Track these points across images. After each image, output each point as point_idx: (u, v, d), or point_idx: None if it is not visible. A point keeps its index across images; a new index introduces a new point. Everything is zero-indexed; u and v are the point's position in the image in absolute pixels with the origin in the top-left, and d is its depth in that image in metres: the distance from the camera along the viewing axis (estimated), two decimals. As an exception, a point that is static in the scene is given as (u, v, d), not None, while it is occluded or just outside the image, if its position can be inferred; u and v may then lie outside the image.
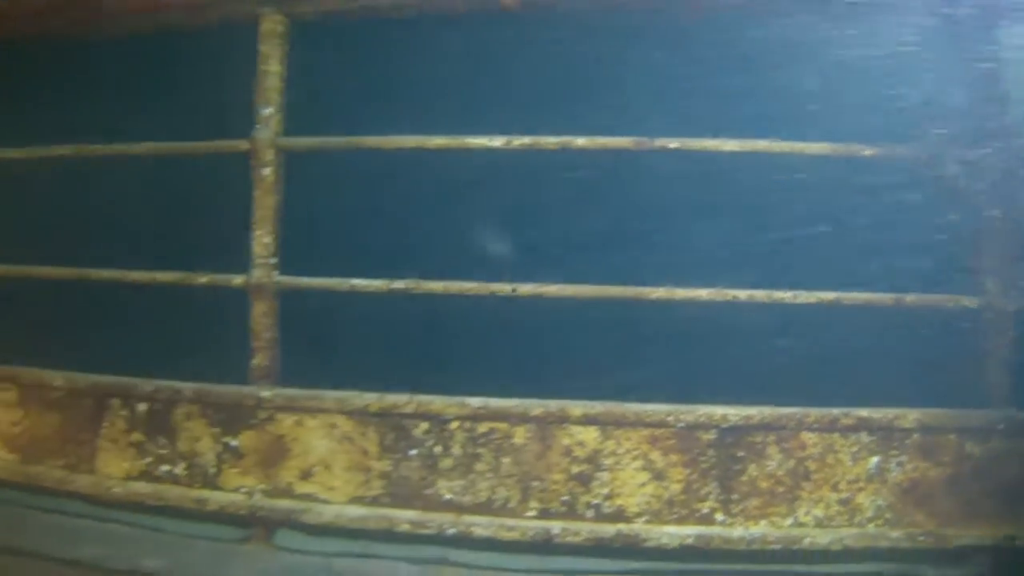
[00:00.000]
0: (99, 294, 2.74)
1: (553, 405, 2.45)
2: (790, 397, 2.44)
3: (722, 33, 2.38)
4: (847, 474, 2.41)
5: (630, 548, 2.44)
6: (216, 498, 2.60)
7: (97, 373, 2.74)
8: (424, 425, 2.49)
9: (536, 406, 2.45)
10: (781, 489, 2.42)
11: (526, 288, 2.48)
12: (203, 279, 2.64)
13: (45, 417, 2.77)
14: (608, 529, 2.44)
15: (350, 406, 2.51)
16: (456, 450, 2.48)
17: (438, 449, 2.48)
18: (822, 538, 2.38)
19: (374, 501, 2.52)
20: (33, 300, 2.79)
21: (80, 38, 2.80)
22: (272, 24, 2.63)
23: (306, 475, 2.55)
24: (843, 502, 2.41)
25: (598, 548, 2.45)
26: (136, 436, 2.67)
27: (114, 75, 2.74)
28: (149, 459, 2.66)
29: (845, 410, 2.40)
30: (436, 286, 2.50)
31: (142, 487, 2.66)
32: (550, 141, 2.50)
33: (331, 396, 2.53)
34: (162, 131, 2.71)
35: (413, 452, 2.49)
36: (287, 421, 2.56)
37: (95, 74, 2.76)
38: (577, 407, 2.44)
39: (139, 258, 2.69)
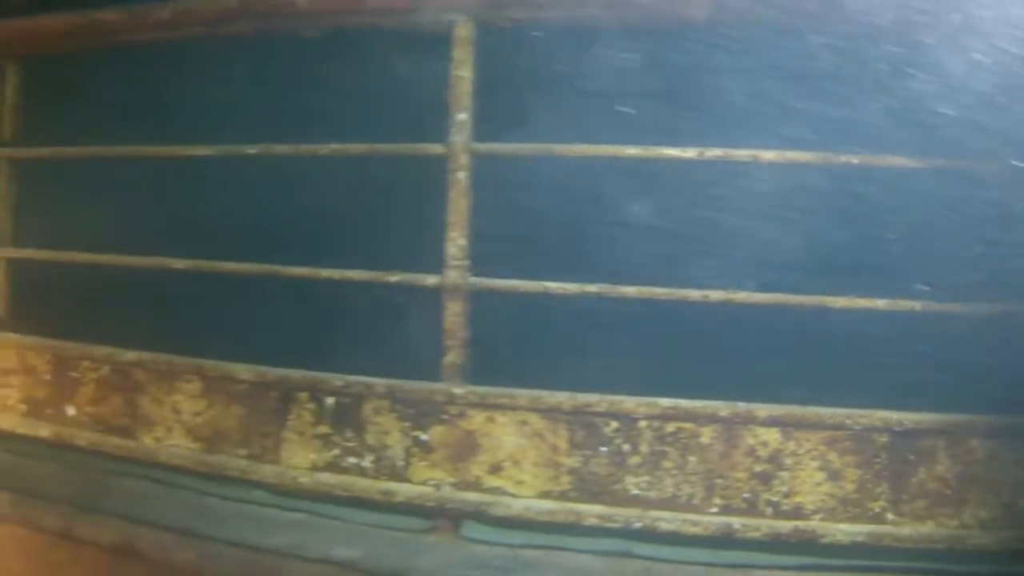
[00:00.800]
0: (287, 291, 2.81)
1: (740, 407, 2.56)
2: (957, 405, 2.56)
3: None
4: (1011, 479, 2.53)
5: (806, 544, 2.55)
6: (404, 490, 2.69)
7: (283, 368, 2.79)
8: (614, 424, 2.60)
9: (723, 407, 2.57)
10: (948, 492, 2.55)
11: (716, 295, 2.59)
12: (395, 278, 2.72)
13: (229, 408, 2.85)
14: (786, 525, 2.56)
15: (543, 404, 2.61)
16: (644, 448, 2.59)
17: (627, 447, 2.59)
18: (985, 539, 2.50)
19: (562, 495, 2.63)
20: (223, 295, 2.86)
21: (268, 38, 2.86)
22: (465, 31, 2.71)
23: (495, 469, 2.65)
24: (1006, 506, 2.54)
25: (775, 543, 2.56)
26: (323, 429, 2.76)
27: (303, 75, 2.80)
28: (336, 451, 2.75)
29: (1013, 418, 2.53)
30: (629, 290, 2.61)
31: (328, 478, 2.75)
32: (741, 154, 2.61)
33: (524, 394, 2.63)
34: (349, 132, 2.79)
35: (603, 449, 2.60)
36: (478, 417, 2.65)
37: (284, 74, 2.83)
38: (762, 409, 2.56)
39: (328, 256, 2.76)
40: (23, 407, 3.19)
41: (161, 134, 3.08)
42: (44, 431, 3.13)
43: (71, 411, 3.08)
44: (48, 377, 3.13)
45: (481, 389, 2.66)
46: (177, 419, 2.92)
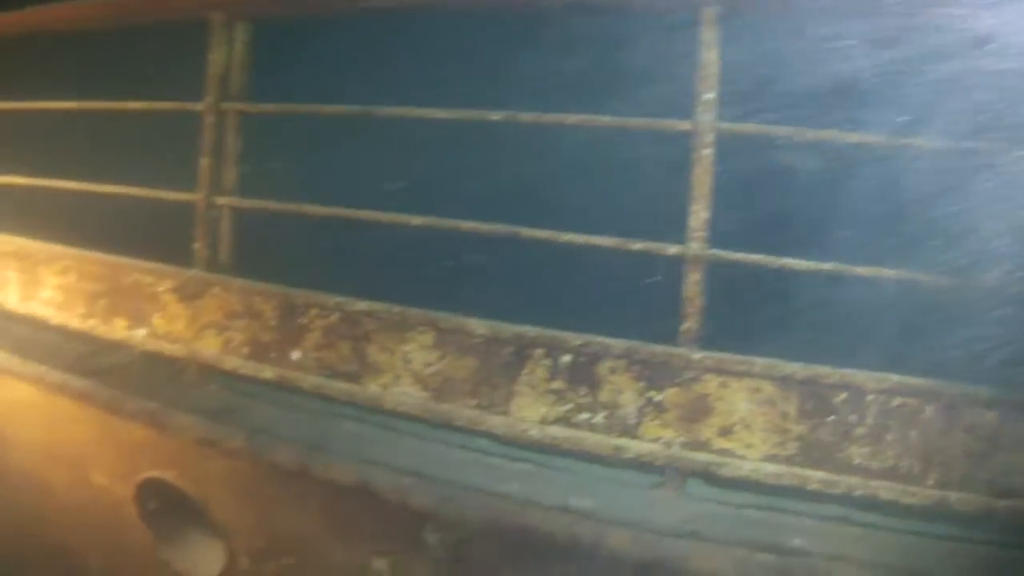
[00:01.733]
0: (526, 254, 2.96)
1: (962, 387, 2.70)
2: None
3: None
4: None
5: (1016, 522, 2.70)
6: (635, 447, 2.84)
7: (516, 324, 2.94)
8: (843, 395, 2.74)
9: (948, 387, 2.71)
10: None
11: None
12: (637, 246, 2.87)
13: (461, 360, 2.99)
14: (999, 503, 2.70)
15: (777, 372, 2.75)
16: (869, 420, 2.74)
17: (853, 418, 2.74)
18: None
19: (788, 460, 2.77)
20: (461, 253, 3.01)
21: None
22: (712, 14, 2.85)
23: (725, 432, 2.80)
24: None
25: (987, 517, 2.71)
26: (557, 384, 2.90)
27: (554, 48, 2.95)
28: (568, 406, 2.90)
29: None
30: (863, 271, 2.75)
31: (558, 431, 2.90)
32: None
33: (759, 362, 2.77)
34: (596, 105, 2.94)
35: (830, 419, 2.75)
36: (713, 382, 2.80)
37: (535, 46, 2.98)
38: (984, 391, 2.70)
39: (566, 220, 2.91)
40: (246, 349, 3.33)
41: (390, 96, 3.21)
42: (267, 373, 3.27)
43: (296, 355, 3.22)
44: (274, 322, 3.26)
45: (718, 355, 2.80)
46: (407, 368, 3.06)
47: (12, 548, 4.25)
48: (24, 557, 4.21)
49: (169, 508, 3.65)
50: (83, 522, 3.91)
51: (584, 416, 2.89)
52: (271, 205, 3.35)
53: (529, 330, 2.93)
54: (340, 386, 3.14)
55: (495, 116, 3.03)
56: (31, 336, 4.00)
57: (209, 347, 3.39)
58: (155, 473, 3.52)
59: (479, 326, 2.96)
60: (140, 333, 3.59)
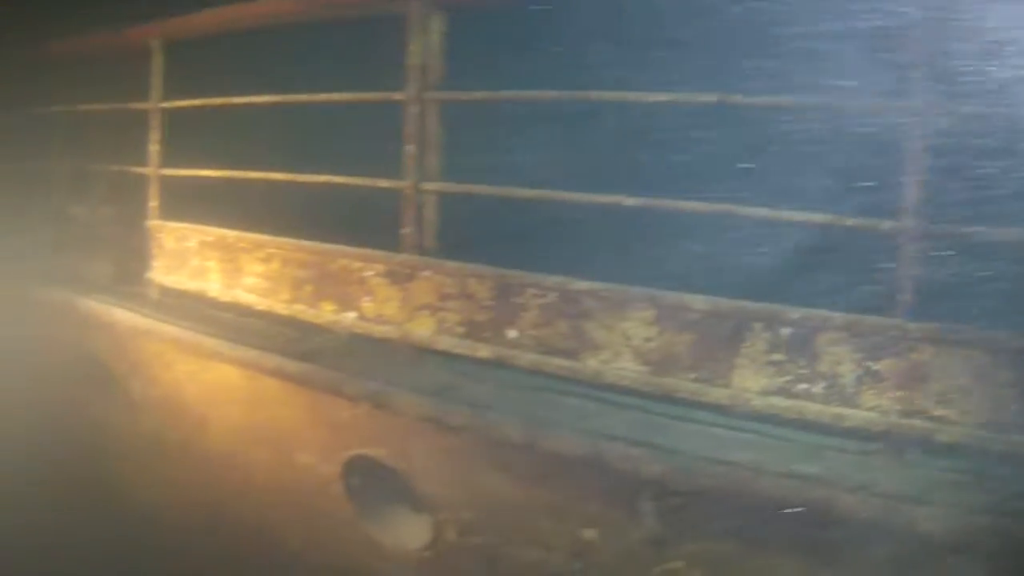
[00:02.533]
0: (742, 230, 3.11)
1: None
2: None
3: None
4: None
5: None
6: (854, 415, 2.98)
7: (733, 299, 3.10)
8: (1058, 363, 2.86)
9: None
10: None
11: None
12: (850, 222, 3.01)
13: (680, 335, 3.15)
14: None
15: (992, 343, 2.88)
16: (1085, 388, 2.86)
17: (1068, 385, 2.86)
18: None
19: (1001, 428, 2.90)
20: (681, 233, 3.17)
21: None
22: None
23: (941, 400, 2.94)
24: None
25: None
26: (777, 356, 3.05)
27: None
28: (788, 377, 3.05)
29: None
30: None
31: (779, 402, 3.05)
32: None
33: (974, 332, 2.90)
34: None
35: (1040, 387, 2.87)
36: (928, 351, 2.94)
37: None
38: None
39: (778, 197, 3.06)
40: (461, 329, 3.52)
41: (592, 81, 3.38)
42: (483, 352, 3.45)
43: (512, 334, 3.40)
44: (489, 302, 3.45)
45: (933, 325, 2.93)
46: (626, 344, 3.23)
47: (212, 525, 4.49)
48: (223, 534, 4.45)
49: (373, 484, 3.86)
50: (285, 500, 4.14)
51: (803, 386, 3.04)
52: (477, 189, 3.52)
53: (748, 305, 3.08)
54: (558, 363, 3.30)
55: (707, 98, 3.17)
56: (236, 322, 4.22)
57: (422, 328, 3.58)
58: (364, 451, 3.72)
59: (698, 301, 3.12)
60: (349, 316, 3.79)
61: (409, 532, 3.84)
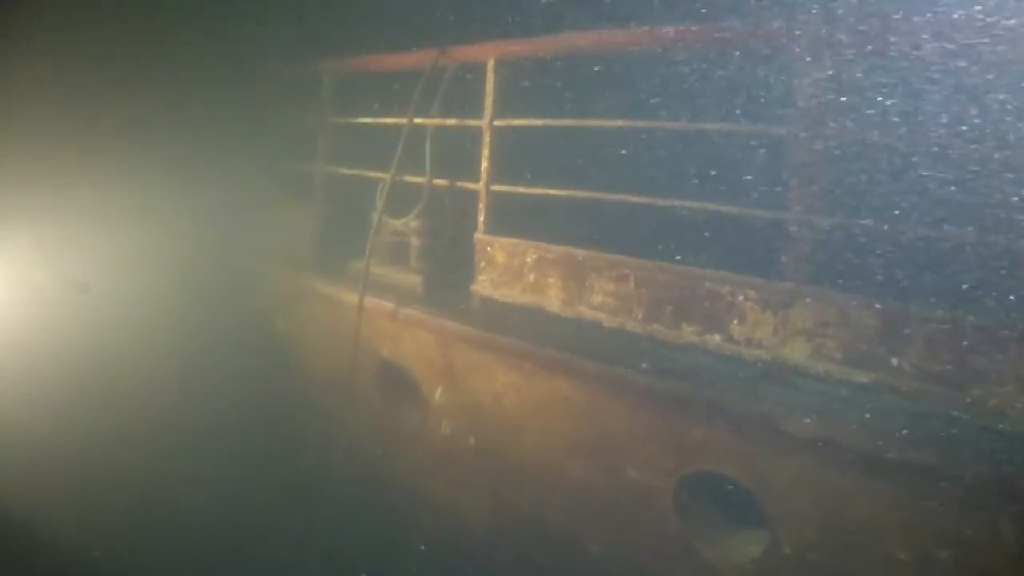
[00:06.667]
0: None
1: None
2: None
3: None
4: None
5: None
6: None
7: None
8: None
9: None
10: None
11: None
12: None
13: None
14: None
15: None
16: None
17: None
18: None
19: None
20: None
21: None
22: None
23: None
24: None
25: None
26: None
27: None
28: None
29: None
30: None
31: None
32: None
33: None
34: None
35: None
36: None
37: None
38: None
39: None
40: (839, 355, 3.68)
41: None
42: (862, 378, 3.60)
43: (894, 361, 3.55)
44: (871, 331, 3.60)
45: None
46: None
47: (509, 527, 4.74)
48: (510, 535, 4.68)
49: (703, 500, 4.04)
50: (597, 511, 4.34)
51: None
52: (860, 223, 3.67)
53: None
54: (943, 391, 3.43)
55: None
56: (578, 337, 4.44)
57: (796, 353, 3.75)
58: (708, 467, 3.90)
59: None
60: (714, 338, 3.97)
61: (738, 548, 4.00)
